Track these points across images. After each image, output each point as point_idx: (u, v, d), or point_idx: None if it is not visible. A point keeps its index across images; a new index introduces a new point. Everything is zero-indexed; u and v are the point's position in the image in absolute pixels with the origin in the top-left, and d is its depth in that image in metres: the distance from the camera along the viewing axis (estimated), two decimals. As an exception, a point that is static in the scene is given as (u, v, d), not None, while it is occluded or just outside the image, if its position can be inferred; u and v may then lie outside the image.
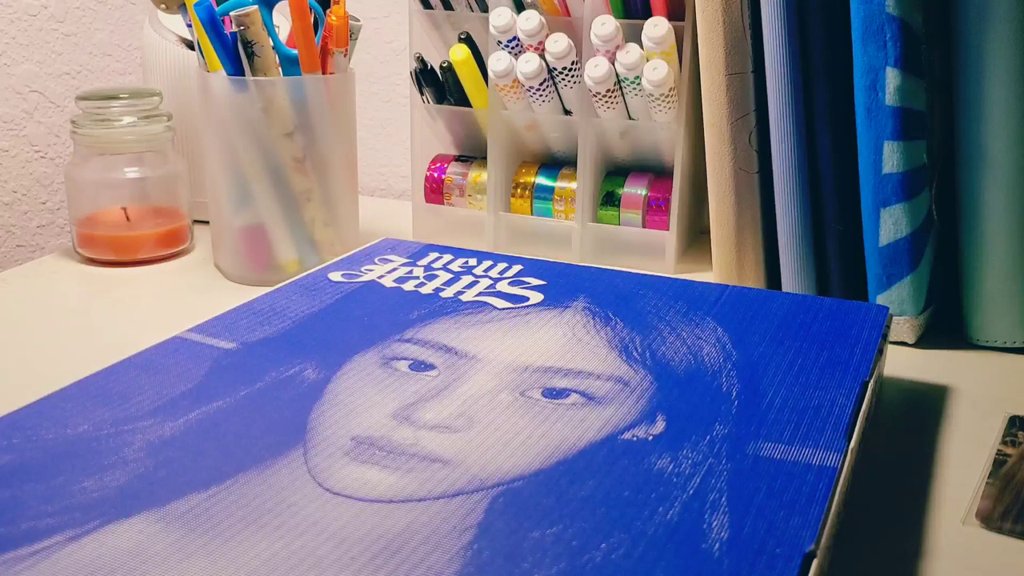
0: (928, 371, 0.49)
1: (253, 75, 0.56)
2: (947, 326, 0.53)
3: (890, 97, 0.48)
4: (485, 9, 0.65)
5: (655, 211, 0.64)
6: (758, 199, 0.54)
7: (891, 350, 0.51)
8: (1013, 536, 0.34)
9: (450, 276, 0.49)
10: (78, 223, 0.64)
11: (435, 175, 0.69)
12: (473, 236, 0.68)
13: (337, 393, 0.36)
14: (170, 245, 0.65)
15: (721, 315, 0.44)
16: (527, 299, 0.45)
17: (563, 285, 0.47)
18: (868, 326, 0.43)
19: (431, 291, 0.46)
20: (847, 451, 0.32)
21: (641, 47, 0.59)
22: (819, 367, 0.38)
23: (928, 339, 0.52)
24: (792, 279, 0.54)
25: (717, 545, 0.27)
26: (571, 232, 0.66)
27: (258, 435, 0.33)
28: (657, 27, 0.58)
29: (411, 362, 0.39)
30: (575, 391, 0.36)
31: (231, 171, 0.59)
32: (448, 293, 0.46)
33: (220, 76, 0.57)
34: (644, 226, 0.64)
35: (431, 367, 0.38)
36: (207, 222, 0.69)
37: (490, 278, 0.48)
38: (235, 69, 0.57)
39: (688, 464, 0.31)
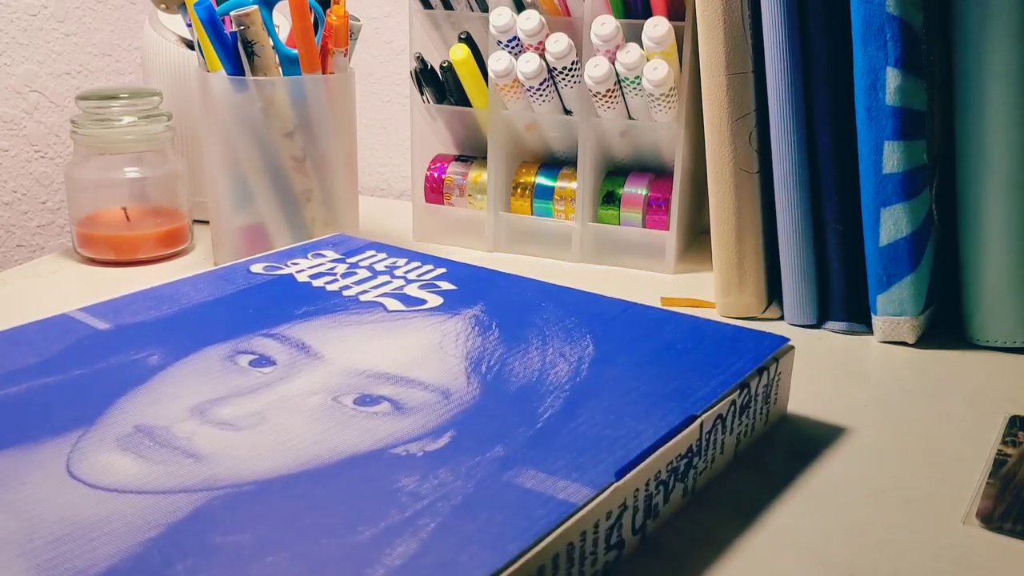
0: (928, 371, 0.49)
1: (253, 75, 0.56)
2: (947, 326, 0.53)
3: (890, 97, 0.48)
4: (485, 9, 0.65)
5: (655, 211, 0.64)
6: (758, 199, 0.54)
7: (892, 350, 0.51)
8: (1013, 536, 0.34)
9: (368, 275, 0.48)
10: (78, 223, 0.64)
11: (435, 175, 0.69)
12: (473, 236, 0.68)
13: (159, 382, 0.36)
14: (170, 245, 0.65)
15: (605, 333, 0.42)
16: (424, 302, 0.45)
17: (471, 291, 0.46)
18: (747, 358, 0.39)
19: (336, 289, 0.46)
20: (610, 487, 0.30)
21: (641, 47, 0.59)
22: (659, 396, 0.36)
23: (928, 339, 0.52)
24: (792, 279, 0.54)
25: (380, 572, 0.26)
26: (571, 232, 0.66)
27: (54, 414, 0.34)
28: (657, 27, 0.58)
29: (256, 357, 0.39)
30: (389, 399, 0.35)
31: (231, 171, 0.59)
32: (351, 292, 0.46)
33: (220, 76, 0.57)
34: (644, 226, 0.64)
35: (272, 363, 0.38)
36: (207, 222, 0.69)
37: (405, 279, 0.48)
38: (235, 69, 0.57)
39: (432, 485, 0.30)
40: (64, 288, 0.60)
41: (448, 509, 0.29)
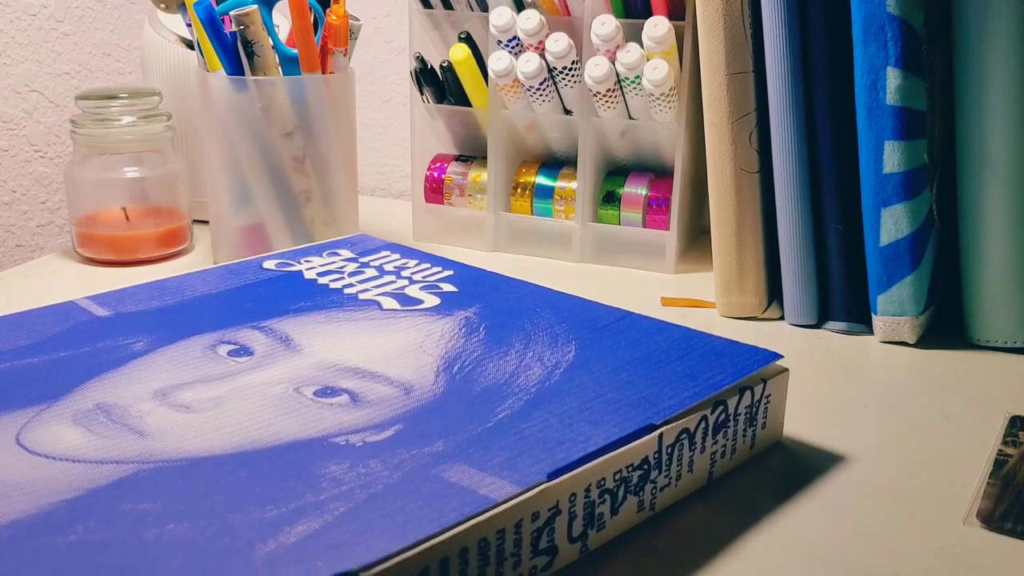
0: (928, 371, 0.49)
1: (253, 75, 0.56)
2: (948, 326, 0.53)
3: (891, 97, 0.48)
4: (485, 8, 0.65)
5: (655, 211, 0.64)
6: (759, 199, 0.54)
7: (892, 350, 0.51)
8: (1013, 536, 0.34)
9: (375, 275, 0.48)
10: (78, 223, 0.64)
11: (435, 175, 0.69)
12: (473, 236, 0.68)
13: (136, 366, 0.37)
14: (170, 245, 0.65)
15: (592, 341, 0.41)
16: (421, 303, 0.45)
17: (471, 294, 0.46)
18: (727, 372, 0.38)
19: (339, 287, 0.47)
20: (538, 487, 0.29)
21: (641, 46, 0.59)
22: (623, 404, 0.35)
23: (928, 339, 0.52)
24: (792, 279, 0.54)
25: (270, 547, 0.26)
26: (571, 232, 0.66)
27: (25, 390, 0.35)
28: (657, 26, 0.58)
29: (236, 347, 0.39)
30: (350, 392, 0.35)
31: (231, 171, 0.59)
32: (353, 290, 0.46)
33: (220, 76, 0.57)
34: (644, 226, 0.64)
35: (249, 354, 0.38)
36: (207, 222, 0.69)
37: (410, 280, 0.48)
38: (235, 69, 0.57)
39: (359, 473, 0.30)
40: (63, 288, 0.60)
41: (364, 496, 0.28)
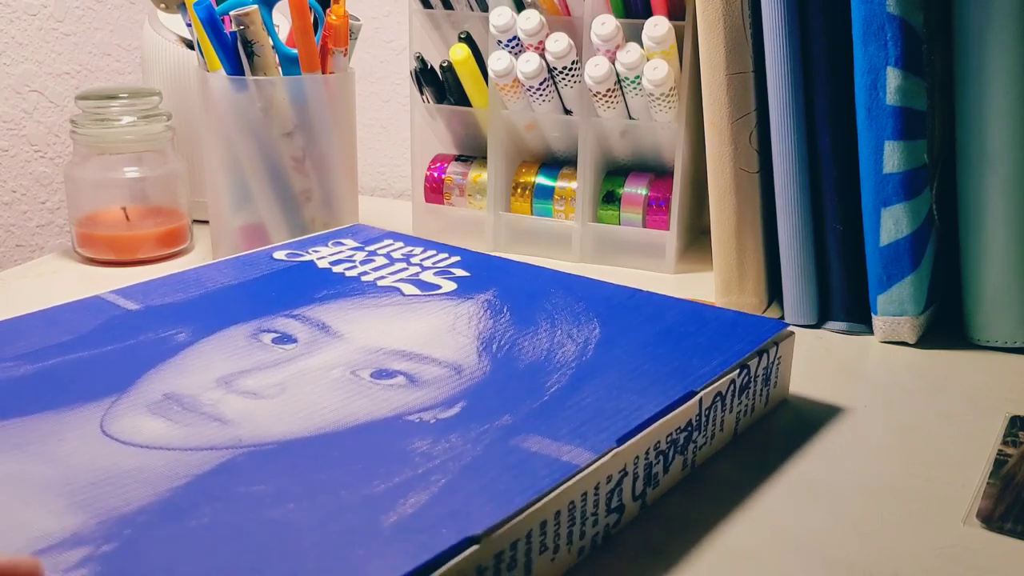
0: (928, 371, 0.49)
1: (253, 75, 0.56)
2: (948, 326, 0.53)
3: (891, 97, 0.48)
4: (485, 8, 0.65)
5: (655, 211, 0.64)
6: (759, 199, 0.54)
7: (892, 350, 0.51)
8: (1013, 536, 0.34)
9: (385, 262, 0.50)
10: (78, 223, 0.64)
11: (435, 175, 0.69)
12: (473, 236, 0.68)
13: (188, 356, 0.38)
14: (170, 245, 0.65)
15: (612, 317, 0.43)
16: (439, 288, 0.46)
17: (484, 278, 0.48)
18: (747, 340, 0.41)
19: (355, 275, 0.48)
20: (610, 452, 0.32)
21: (641, 46, 0.59)
22: (660, 374, 0.38)
23: (928, 339, 0.52)
24: (792, 279, 0.53)
25: (393, 518, 0.27)
26: (571, 232, 0.66)
27: (87, 383, 0.35)
28: (657, 26, 0.58)
29: (278, 335, 0.40)
30: (404, 373, 0.37)
31: (231, 171, 0.59)
32: (370, 277, 0.47)
33: (220, 76, 0.57)
34: (644, 226, 0.64)
35: (293, 341, 0.40)
36: (207, 222, 0.69)
37: (421, 267, 0.49)
38: (235, 69, 0.57)
39: (444, 448, 0.32)
40: (64, 288, 0.60)
41: (458, 468, 0.30)
